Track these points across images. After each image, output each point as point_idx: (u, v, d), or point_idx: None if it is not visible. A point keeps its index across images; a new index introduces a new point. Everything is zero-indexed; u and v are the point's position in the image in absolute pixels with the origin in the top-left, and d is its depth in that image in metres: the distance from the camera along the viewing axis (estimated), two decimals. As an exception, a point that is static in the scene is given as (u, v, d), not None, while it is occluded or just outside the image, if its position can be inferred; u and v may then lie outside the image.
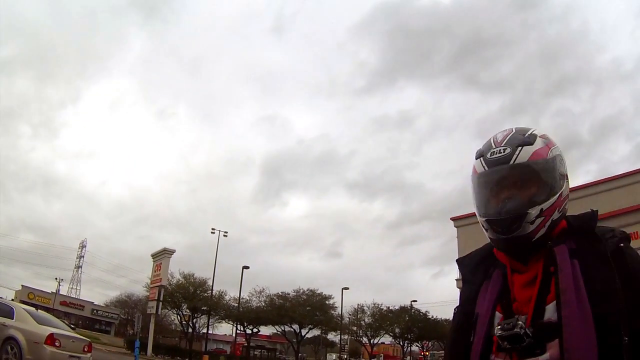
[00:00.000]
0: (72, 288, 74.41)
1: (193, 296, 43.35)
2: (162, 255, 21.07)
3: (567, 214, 1.38)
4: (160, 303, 20.87)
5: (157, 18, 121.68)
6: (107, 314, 64.88)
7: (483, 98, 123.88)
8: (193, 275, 44.59)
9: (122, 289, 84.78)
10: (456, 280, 27.45)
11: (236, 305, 44.75)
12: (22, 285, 57.20)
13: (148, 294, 28.70)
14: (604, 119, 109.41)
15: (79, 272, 75.45)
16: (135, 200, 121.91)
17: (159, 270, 20.85)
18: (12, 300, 25.88)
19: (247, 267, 44.53)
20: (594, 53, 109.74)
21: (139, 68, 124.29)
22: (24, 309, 11.32)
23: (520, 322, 1.21)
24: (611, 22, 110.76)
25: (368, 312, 50.75)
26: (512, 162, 1.31)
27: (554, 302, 1.20)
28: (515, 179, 1.32)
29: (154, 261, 21.88)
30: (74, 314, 59.84)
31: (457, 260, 1.58)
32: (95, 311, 63.59)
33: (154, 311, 20.35)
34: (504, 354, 1.25)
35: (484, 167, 1.38)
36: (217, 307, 44.67)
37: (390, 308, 50.24)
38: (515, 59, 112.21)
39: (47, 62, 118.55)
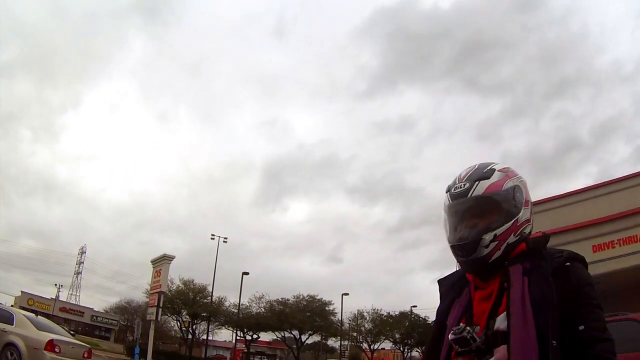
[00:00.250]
0: (71, 294, 74.29)
1: (193, 302, 43.22)
2: (161, 262, 21.01)
3: (536, 235, 1.62)
4: (160, 309, 20.76)
5: (157, 20, 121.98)
6: (107, 320, 64.69)
7: (483, 101, 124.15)
8: (193, 282, 44.50)
9: (122, 295, 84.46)
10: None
11: (236, 311, 44.64)
12: (21, 291, 57.09)
13: (148, 300, 28.62)
14: (604, 120, 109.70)
15: (79, 278, 75.36)
16: (136, 204, 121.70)
17: (159, 276, 20.80)
18: (12, 306, 25.81)
19: (246, 273, 44.49)
20: (593, 55, 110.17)
21: (139, 71, 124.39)
22: (23, 314, 11.32)
23: (468, 328, 1.45)
24: (611, 24, 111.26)
25: (368, 318, 50.67)
26: (469, 195, 1.56)
27: (504, 313, 1.43)
28: (473, 210, 1.56)
29: (153, 267, 21.83)
30: (73, 320, 59.69)
31: (438, 280, 1.83)
32: (94, 317, 63.42)
33: (153, 317, 20.26)
34: (461, 358, 1.48)
35: (449, 200, 1.63)
36: (217, 313, 44.52)
37: (391, 313, 50.16)
38: (515, 61, 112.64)
39: (47, 65, 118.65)
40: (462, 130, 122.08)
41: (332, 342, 58.31)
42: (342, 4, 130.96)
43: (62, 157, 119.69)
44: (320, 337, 52.58)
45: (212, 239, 46.45)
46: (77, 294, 74.78)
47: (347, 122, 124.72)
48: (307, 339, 48.20)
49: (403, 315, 50.36)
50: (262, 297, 46.05)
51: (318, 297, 47.00)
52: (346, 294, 48.54)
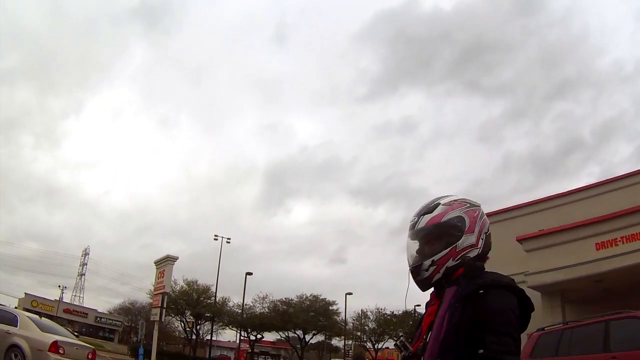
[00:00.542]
0: (75, 296, 74.54)
1: (196, 303, 43.26)
2: (165, 263, 21.02)
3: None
4: (164, 310, 20.78)
5: (158, 27, 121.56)
6: (111, 321, 64.81)
7: (485, 103, 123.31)
8: (196, 282, 44.57)
9: (126, 297, 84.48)
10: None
11: (240, 311, 44.68)
12: (25, 293, 57.19)
13: (151, 301, 28.68)
14: (605, 121, 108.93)
15: (82, 279, 75.60)
16: (138, 208, 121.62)
17: (162, 277, 20.81)
18: (16, 308, 25.90)
19: (250, 274, 44.49)
20: (594, 56, 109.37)
21: (140, 77, 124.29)
22: (27, 316, 11.36)
23: (402, 338, 1.82)
24: (611, 25, 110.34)
25: (372, 318, 50.67)
26: (415, 228, 1.89)
27: None
28: (419, 240, 1.89)
29: (157, 268, 21.84)
30: (77, 321, 59.79)
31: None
32: (98, 318, 63.54)
33: (157, 318, 20.29)
34: None
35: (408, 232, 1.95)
36: (220, 314, 44.57)
37: (394, 313, 50.15)
38: (516, 63, 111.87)
39: (48, 72, 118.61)
40: (463, 133, 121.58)
41: (336, 342, 58.28)
42: (342, 8, 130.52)
43: (64, 163, 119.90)
44: (324, 337, 52.56)
45: (215, 239, 46.51)
46: (81, 296, 75.11)
47: (349, 126, 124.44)
48: (311, 338, 48.19)
49: (407, 314, 50.33)
50: (266, 297, 46.12)
51: (322, 297, 47.06)
52: (350, 294, 48.57)
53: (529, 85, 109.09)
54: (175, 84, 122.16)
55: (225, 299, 46.50)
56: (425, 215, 1.87)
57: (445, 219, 1.82)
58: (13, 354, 10.02)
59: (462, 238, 1.79)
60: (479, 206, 1.91)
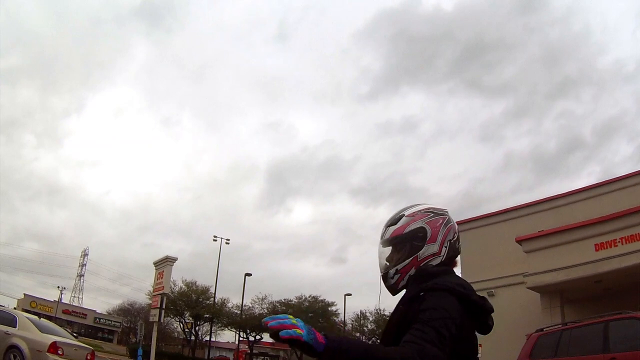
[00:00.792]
0: (74, 296, 74.53)
1: (196, 304, 43.28)
2: (164, 263, 20.98)
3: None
4: (163, 311, 20.74)
5: (160, 26, 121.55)
6: (110, 322, 64.80)
7: (486, 102, 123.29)
8: (195, 283, 44.59)
9: (125, 297, 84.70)
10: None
11: (239, 312, 44.68)
12: (24, 294, 57.22)
13: (150, 302, 28.67)
14: (607, 120, 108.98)
15: (81, 280, 75.59)
16: (139, 208, 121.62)
17: (161, 278, 20.77)
18: (15, 308, 25.86)
19: (249, 275, 44.50)
20: (595, 55, 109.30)
21: (143, 76, 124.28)
22: (26, 317, 11.32)
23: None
24: (612, 24, 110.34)
25: (371, 319, 50.67)
26: (382, 239, 1.99)
27: None
28: (386, 249, 1.99)
29: (156, 269, 21.80)
30: (76, 322, 59.81)
31: None
32: (97, 319, 63.53)
33: (156, 319, 20.24)
34: None
35: None
36: (219, 315, 44.58)
37: (394, 313, 50.19)
38: (517, 62, 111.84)
39: (50, 71, 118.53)
40: (465, 131, 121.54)
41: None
42: (344, 7, 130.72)
43: (66, 162, 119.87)
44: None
45: (214, 240, 46.51)
46: (80, 297, 75.09)
47: (351, 124, 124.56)
48: (310, 339, 48.15)
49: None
50: (265, 298, 46.14)
51: (321, 298, 47.09)
52: (349, 295, 48.57)
53: (530, 84, 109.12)
54: (178, 82, 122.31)
55: (225, 300, 46.58)
56: (390, 227, 1.97)
57: (407, 230, 1.92)
58: (12, 355, 10.00)
59: (424, 248, 1.88)
60: (445, 214, 1.97)
